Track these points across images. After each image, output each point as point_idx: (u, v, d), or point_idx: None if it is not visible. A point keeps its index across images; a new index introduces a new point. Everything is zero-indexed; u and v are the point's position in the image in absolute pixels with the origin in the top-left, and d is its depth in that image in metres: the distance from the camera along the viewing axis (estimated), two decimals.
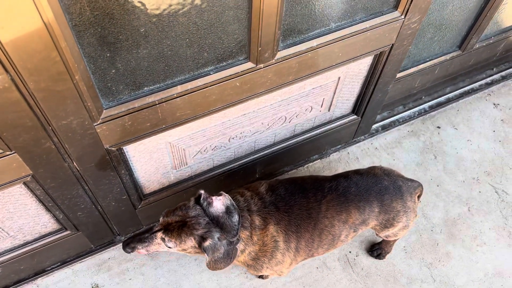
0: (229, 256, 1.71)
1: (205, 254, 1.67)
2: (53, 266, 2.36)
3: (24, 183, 1.68)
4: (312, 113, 2.33)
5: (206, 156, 2.19)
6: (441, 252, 2.52)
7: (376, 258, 2.48)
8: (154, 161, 2.00)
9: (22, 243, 2.07)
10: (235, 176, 2.48)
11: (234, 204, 1.74)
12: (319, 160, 2.82)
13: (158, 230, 1.71)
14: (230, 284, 2.37)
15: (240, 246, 1.82)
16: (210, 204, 1.70)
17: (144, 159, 1.95)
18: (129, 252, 1.74)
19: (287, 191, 1.94)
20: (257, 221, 1.84)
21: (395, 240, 2.35)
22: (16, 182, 1.63)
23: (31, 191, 1.75)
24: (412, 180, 2.08)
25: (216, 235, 1.66)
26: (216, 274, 2.39)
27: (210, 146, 2.12)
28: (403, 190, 2.01)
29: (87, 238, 2.28)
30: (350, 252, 2.50)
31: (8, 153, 1.48)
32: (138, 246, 1.73)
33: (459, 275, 2.46)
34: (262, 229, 1.85)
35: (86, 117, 1.50)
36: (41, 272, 2.34)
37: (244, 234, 1.81)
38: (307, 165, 2.80)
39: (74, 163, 1.69)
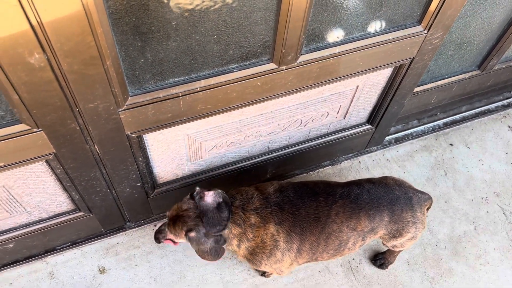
0: (216, 253, 1.89)
1: (190, 244, 1.85)
2: (63, 246, 2.42)
3: (46, 161, 1.75)
4: (327, 119, 2.37)
5: (221, 152, 2.25)
6: (444, 268, 2.54)
7: (378, 268, 2.50)
8: (171, 151, 2.06)
9: (37, 219, 2.14)
10: (246, 174, 2.53)
11: (227, 201, 1.87)
12: (330, 167, 2.85)
13: (166, 224, 1.92)
14: (233, 279, 2.41)
15: (234, 241, 1.92)
16: (201, 198, 1.84)
17: (161, 148, 2.00)
18: (157, 242, 1.99)
19: (296, 193, 1.98)
20: (253, 219, 1.91)
21: (399, 251, 2.38)
22: (39, 159, 1.70)
23: (52, 169, 1.81)
24: (422, 192, 2.11)
25: (202, 230, 1.82)
26: (220, 268, 2.44)
27: (226, 142, 2.17)
28: (414, 201, 2.04)
29: (98, 222, 2.34)
30: (353, 259, 2.53)
31: (35, 130, 1.55)
32: (160, 237, 1.97)
33: None
34: (259, 227, 1.91)
35: (112, 102, 1.57)
36: (51, 250, 2.41)
37: (236, 230, 1.90)
38: (318, 170, 2.83)
39: (95, 146, 1.76)
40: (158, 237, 1.97)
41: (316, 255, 2.01)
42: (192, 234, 1.82)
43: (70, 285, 2.35)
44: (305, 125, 2.33)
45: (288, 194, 1.98)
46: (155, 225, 2.54)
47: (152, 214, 2.51)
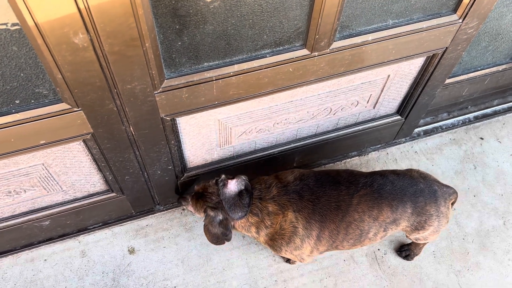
0: (216, 239, 2.05)
1: (204, 217, 2.04)
2: (95, 226, 2.51)
3: (84, 141, 1.81)
4: (357, 108, 2.37)
5: (250, 138, 2.27)
6: (471, 261, 2.52)
7: (404, 259, 2.50)
8: (202, 136, 2.10)
9: (71, 198, 2.22)
10: (273, 162, 2.56)
11: (249, 188, 2.00)
12: (357, 157, 2.85)
13: (190, 194, 2.09)
14: (258, 264, 2.45)
15: (252, 229, 2.03)
16: (224, 185, 1.97)
17: (193, 132, 2.05)
18: (179, 204, 2.22)
19: (317, 182, 2.01)
20: (271, 207, 1.98)
21: (424, 244, 2.37)
22: (77, 138, 1.76)
23: (88, 149, 1.88)
24: (447, 186, 2.10)
25: (219, 216, 1.99)
26: (246, 253, 2.48)
27: (255, 128, 2.20)
28: (438, 195, 2.03)
29: (129, 203, 2.41)
30: (378, 249, 2.53)
31: (75, 109, 1.61)
32: (182, 202, 2.21)
33: (487, 287, 2.45)
34: (277, 214, 1.97)
35: (148, 84, 1.61)
36: (83, 229, 2.50)
37: (253, 219, 2.00)
38: (344, 160, 2.84)
39: (131, 128, 1.81)
40: (181, 202, 2.21)
41: (336, 243, 2.03)
42: (211, 212, 1.98)
43: (100, 263, 2.43)
44: (334, 114, 2.34)
45: (308, 182, 2.02)
46: (183, 209, 2.60)
47: None
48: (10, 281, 2.35)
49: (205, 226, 2.03)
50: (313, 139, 2.51)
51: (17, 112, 1.54)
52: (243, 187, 1.98)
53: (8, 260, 2.41)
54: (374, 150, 2.87)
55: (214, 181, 2.02)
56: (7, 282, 2.35)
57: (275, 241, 2.04)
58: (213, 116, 1.99)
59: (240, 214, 1.96)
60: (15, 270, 2.38)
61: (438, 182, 2.09)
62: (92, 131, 1.74)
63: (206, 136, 2.12)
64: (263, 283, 2.41)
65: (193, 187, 2.15)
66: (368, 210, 1.95)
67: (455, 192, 2.11)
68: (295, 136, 2.45)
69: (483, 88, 2.87)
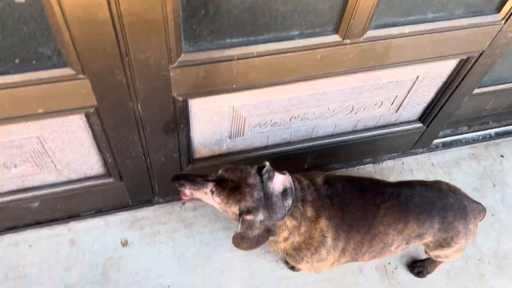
0: (257, 241, 1.67)
1: (240, 224, 1.62)
2: (88, 213, 2.33)
3: (86, 114, 1.65)
4: (380, 109, 2.22)
5: (264, 131, 2.12)
6: (487, 284, 2.35)
7: (415, 276, 2.33)
8: (213, 123, 1.94)
9: (65, 180, 2.04)
10: (284, 160, 2.39)
11: (293, 188, 1.69)
12: (371, 165, 2.70)
13: (212, 181, 1.64)
14: (260, 268, 2.28)
15: (284, 234, 1.75)
16: (270, 178, 1.64)
17: (204, 118, 1.89)
18: (177, 187, 1.67)
19: (344, 188, 1.83)
20: (309, 212, 1.75)
21: (441, 262, 2.20)
22: (79, 110, 1.60)
23: (90, 125, 1.71)
24: (477, 203, 1.95)
25: (260, 216, 1.61)
26: (248, 255, 2.30)
27: (271, 121, 2.04)
28: (468, 211, 1.87)
29: (127, 191, 2.24)
30: (389, 263, 2.37)
31: (80, 76, 1.45)
32: (187, 185, 1.66)
33: None
34: (312, 221, 1.75)
35: (164, 55, 1.45)
36: (75, 216, 2.32)
37: (291, 223, 1.72)
38: (358, 167, 2.68)
39: (139, 105, 1.65)
40: (184, 184, 1.66)
41: (358, 255, 1.86)
42: (249, 217, 1.59)
43: (90, 253, 2.25)
44: (355, 113, 2.18)
45: (336, 187, 1.82)
46: (183, 203, 2.43)
47: None
48: None
49: (238, 235, 1.65)
50: (329, 140, 2.35)
51: (15, 73, 1.38)
52: (288, 185, 1.66)
53: None
54: (389, 159, 2.72)
55: (255, 170, 1.65)
56: None
57: (298, 251, 1.81)
58: (228, 102, 1.84)
59: (279, 216, 1.64)
60: None
61: (468, 197, 1.94)
62: (96, 103, 1.58)
63: (218, 124, 1.96)
64: None
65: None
66: (394, 223, 1.79)
67: (484, 210, 1.95)
68: (311, 134, 2.29)
69: (509, 103, 2.73)
